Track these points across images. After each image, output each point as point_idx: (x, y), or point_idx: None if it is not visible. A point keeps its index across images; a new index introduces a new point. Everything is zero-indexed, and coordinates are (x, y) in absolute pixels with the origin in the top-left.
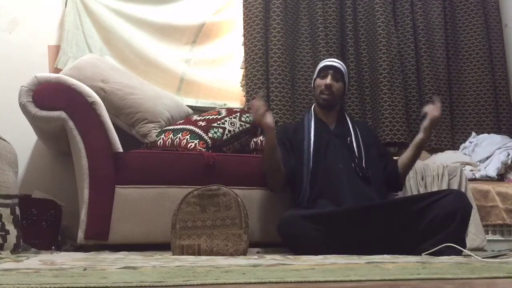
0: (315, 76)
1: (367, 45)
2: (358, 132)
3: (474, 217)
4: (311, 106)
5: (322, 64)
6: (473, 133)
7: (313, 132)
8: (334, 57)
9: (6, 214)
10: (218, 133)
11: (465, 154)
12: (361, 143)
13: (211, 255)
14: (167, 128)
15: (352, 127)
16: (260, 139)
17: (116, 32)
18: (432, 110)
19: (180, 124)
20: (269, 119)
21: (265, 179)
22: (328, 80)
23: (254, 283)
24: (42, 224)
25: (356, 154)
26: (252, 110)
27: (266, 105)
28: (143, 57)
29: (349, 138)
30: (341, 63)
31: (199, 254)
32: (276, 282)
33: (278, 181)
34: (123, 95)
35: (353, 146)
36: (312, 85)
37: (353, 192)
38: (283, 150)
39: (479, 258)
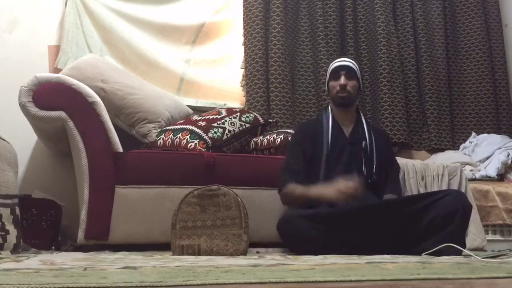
0: (327, 78)
1: (367, 45)
2: (373, 138)
3: (474, 217)
4: (327, 106)
5: (333, 65)
6: (473, 133)
7: (330, 140)
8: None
9: (6, 214)
10: (218, 133)
11: (465, 154)
12: (374, 149)
13: (211, 255)
14: (167, 128)
15: (368, 131)
16: (260, 139)
17: (116, 32)
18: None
19: (180, 124)
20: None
21: (281, 195)
22: (342, 80)
23: (254, 283)
24: (42, 224)
25: (369, 159)
26: (351, 187)
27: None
28: (143, 57)
29: (364, 142)
30: (352, 61)
31: (199, 254)
32: (276, 282)
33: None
34: (123, 95)
35: (367, 151)
36: (326, 87)
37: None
38: (301, 157)
39: (479, 258)
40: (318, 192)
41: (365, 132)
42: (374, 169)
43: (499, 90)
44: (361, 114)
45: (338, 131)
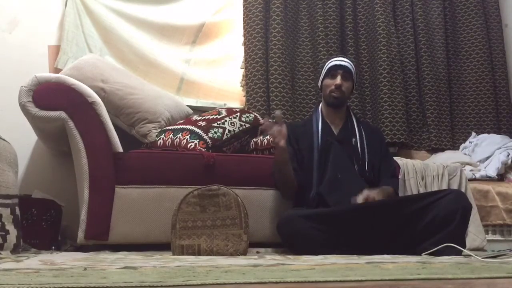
0: (323, 75)
1: (367, 45)
2: (364, 135)
3: (474, 217)
4: (319, 105)
5: (331, 63)
6: (473, 133)
7: (320, 139)
8: (334, 57)
9: (6, 214)
10: (218, 133)
11: (465, 154)
12: (365, 145)
13: (211, 255)
14: (167, 128)
15: (358, 128)
16: (260, 139)
17: (116, 32)
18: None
19: (180, 124)
20: (283, 142)
21: (276, 187)
22: (338, 80)
23: (254, 283)
24: (42, 224)
25: (360, 156)
26: (271, 132)
27: (284, 131)
28: (143, 57)
29: (354, 139)
30: (350, 62)
31: (199, 254)
32: (276, 282)
33: (291, 190)
34: (123, 95)
35: (357, 148)
36: (320, 84)
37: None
38: (291, 156)
39: (479, 258)
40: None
41: (355, 129)
42: (366, 166)
43: (499, 90)
44: (352, 113)
45: (327, 130)
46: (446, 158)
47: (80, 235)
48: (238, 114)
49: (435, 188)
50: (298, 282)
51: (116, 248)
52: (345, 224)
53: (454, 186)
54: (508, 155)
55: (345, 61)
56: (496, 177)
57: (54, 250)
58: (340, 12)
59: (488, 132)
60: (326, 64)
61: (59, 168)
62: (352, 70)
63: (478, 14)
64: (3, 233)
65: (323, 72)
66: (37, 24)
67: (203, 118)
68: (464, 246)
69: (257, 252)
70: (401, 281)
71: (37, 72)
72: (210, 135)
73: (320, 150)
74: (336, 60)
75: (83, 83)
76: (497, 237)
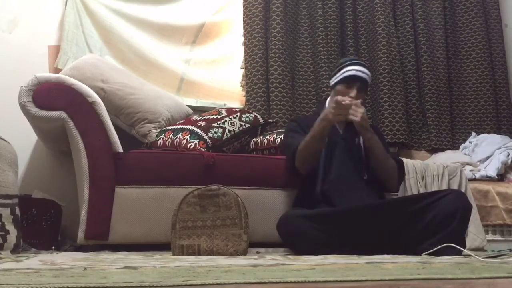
0: (337, 78)
1: (367, 45)
2: None
3: (474, 217)
4: (324, 101)
5: (349, 71)
6: (473, 133)
7: (327, 138)
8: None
9: (6, 214)
10: (218, 133)
11: (465, 154)
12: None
13: (211, 255)
14: (167, 128)
15: None
16: (260, 139)
17: (116, 32)
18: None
19: (180, 124)
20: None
21: (293, 158)
22: (353, 94)
23: (254, 283)
24: (42, 224)
25: (363, 155)
26: (342, 105)
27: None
28: (143, 57)
29: (356, 139)
30: (367, 72)
31: (199, 254)
32: (276, 282)
33: (312, 163)
34: (123, 95)
35: (361, 147)
36: (331, 85)
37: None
38: (301, 134)
39: (479, 258)
40: (317, 123)
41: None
42: (368, 166)
43: (499, 90)
44: None
45: (332, 128)
46: (446, 158)
47: (80, 235)
48: (238, 114)
49: (435, 188)
50: (298, 282)
51: (116, 248)
52: (345, 224)
53: (454, 186)
54: (508, 155)
55: (364, 72)
56: (496, 177)
57: (54, 250)
58: (340, 12)
59: (488, 132)
60: (344, 66)
61: (59, 168)
62: (369, 81)
63: (478, 14)
64: (3, 233)
65: (340, 75)
66: (37, 24)
67: (203, 118)
68: (464, 246)
69: (257, 252)
70: (401, 281)
71: (37, 72)
72: (210, 135)
73: (326, 147)
74: (355, 70)
75: (83, 83)
76: (497, 237)
